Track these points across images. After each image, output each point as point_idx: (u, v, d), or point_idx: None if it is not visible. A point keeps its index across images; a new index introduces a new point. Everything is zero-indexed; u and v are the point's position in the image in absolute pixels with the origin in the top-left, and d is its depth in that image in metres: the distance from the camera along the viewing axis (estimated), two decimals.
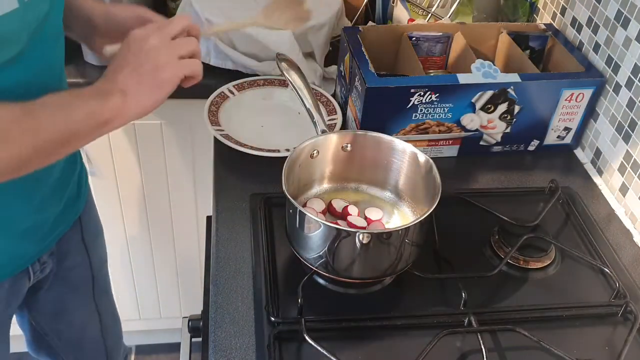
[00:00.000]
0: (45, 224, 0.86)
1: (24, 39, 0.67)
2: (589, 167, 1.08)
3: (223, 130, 1.04)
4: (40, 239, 0.87)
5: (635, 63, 0.95)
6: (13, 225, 0.81)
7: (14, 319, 0.99)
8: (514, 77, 0.99)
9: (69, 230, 0.94)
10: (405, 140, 0.85)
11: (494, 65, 1.00)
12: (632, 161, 0.96)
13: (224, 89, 1.13)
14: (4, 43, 0.64)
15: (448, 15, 1.24)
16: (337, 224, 0.80)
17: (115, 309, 1.19)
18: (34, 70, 0.71)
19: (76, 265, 1.00)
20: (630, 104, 0.97)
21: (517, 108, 1.02)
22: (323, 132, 0.87)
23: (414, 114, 0.99)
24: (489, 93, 0.99)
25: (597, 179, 1.05)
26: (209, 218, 1.00)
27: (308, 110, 0.89)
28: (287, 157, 0.80)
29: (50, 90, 0.69)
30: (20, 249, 0.84)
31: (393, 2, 1.29)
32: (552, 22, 1.21)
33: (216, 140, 1.04)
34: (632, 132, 0.96)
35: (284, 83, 1.16)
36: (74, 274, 1.00)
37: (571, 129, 1.08)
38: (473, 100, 0.99)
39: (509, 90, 0.99)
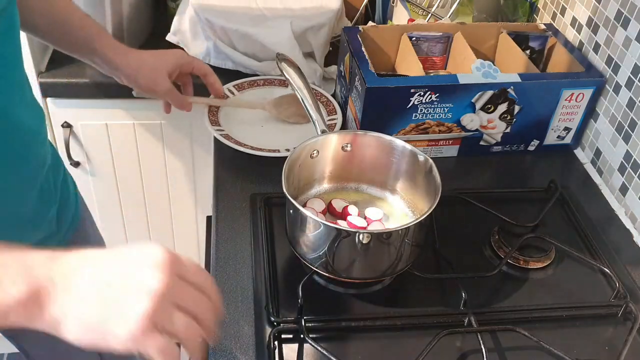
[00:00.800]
0: None
1: None
2: (589, 167, 1.08)
3: (223, 130, 1.04)
4: None
5: (635, 63, 0.95)
6: None
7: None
8: (514, 77, 0.99)
9: None
10: (405, 140, 0.85)
11: (494, 65, 1.00)
12: (632, 161, 0.96)
13: (224, 88, 1.13)
14: None
15: (448, 15, 1.24)
16: (337, 224, 0.80)
17: None
18: None
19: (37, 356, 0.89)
20: (630, 104, 0.97)
21: (517, 108, 1.02)
22: (323, 132, 0.87)
23: (414, 114, 0.99)
24: (489, 93, 0.99)
25: (597, 179, 1.05)
26: (209, 218, 1.00)
27: (308, 110, 0.89)
28: (287, 157, 0.80)
29: None
30: None
31: (393, 2, 1.29)
32: (552, 22, 1.21)
33: (216, 140, 1.04)
34: (632, 132, 0.96)
35: (284, 83, 1.16)
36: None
37: (571, 129, 1.08)
38: (473, 100, 0.99)
39: (509, 90, 0.99)
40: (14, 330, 0.79)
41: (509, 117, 1.03)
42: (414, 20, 1.21)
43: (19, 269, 0.48)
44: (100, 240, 1.03)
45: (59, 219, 0.85)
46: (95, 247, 0.90)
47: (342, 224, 0.83)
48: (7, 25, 0.68)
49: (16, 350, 0.96)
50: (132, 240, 1.48)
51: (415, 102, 0.97)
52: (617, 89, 1.00)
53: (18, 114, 0.73)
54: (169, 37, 1.27)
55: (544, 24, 1.16)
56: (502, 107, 1.01)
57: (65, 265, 0.49)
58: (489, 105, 1.00)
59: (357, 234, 0.73)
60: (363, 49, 1.03)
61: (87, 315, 0.48)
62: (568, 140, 1.10)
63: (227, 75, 1.21)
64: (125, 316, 0.47)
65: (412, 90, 0.96)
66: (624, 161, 0.98)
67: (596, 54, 1.06)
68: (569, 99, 1.03)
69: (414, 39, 1.11)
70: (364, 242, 0.73)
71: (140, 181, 1.38)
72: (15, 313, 0.48)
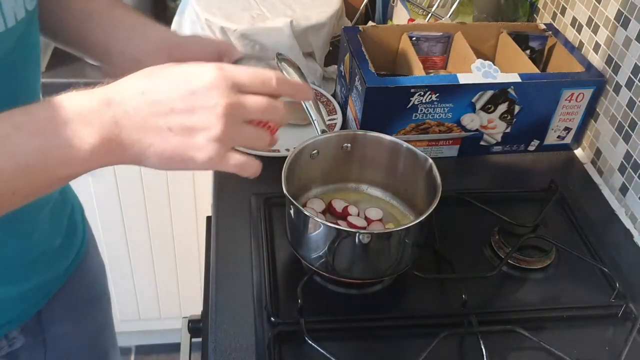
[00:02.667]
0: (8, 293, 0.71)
1: None
2: (589, 167, 1.08)
3: None
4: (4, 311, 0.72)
5: (635, 63, 0.95)
6: None
7: None
8: (514, 77, 0.99)
9: (52, 297, 0.79)
10: (405, 140, 0.85)
11: (494, 65, 1.00)
12: (632, 161, 0.96)
13: None
14: None
15: (448, 15, 1.24)
16: (337, 224, 0.80)
17: None
18: None
19: (56, 338, 0.84)
20: (630, 104, 0.97)
21: (517, 108, 1.02)
22: (323, 132, 0.86)
23: (414, 114, 0.99)
24: (489, 93, 0.99)
25: (597, 179, 1.05)
26: (209, 218, 1.00)
27: (308, 111, 0.89)
28: (287, 157, 0.80)
29: None
30: None
31: (393, 2, 1.29)
32: (552, 22, 1.21)
33: None
34: (632, 132, 0.96)
35: None
36: (61, 344, 0.85)
37: (571, 129, 1.08)
38: (473, 100, 0.99)
39: (509, 90, 0.99)
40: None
41: (509, 117, 1.03)
42: (414, 20, 1.21)
43: (81, 124, 0.48)
44: (101, 263, 0.97)
45: (67, 244, 0.82)
46: (93, 286, 0.87)
47: (342, 224, 0.83)
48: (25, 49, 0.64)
49: None
50: (132, 240, 1.48)
51: (415, 102, 0.97)
52: (617, 89, 1.00)
53: None
54: None
55: (544, 24, 1.16)
56: (502, 107, 1.01)
57: (125, 105, 0.49)
58: (489, 105, 1.00)
59: (357, 234, 0.73)
60: (363, 49, 1.03)
61: (162, 149, 0.49)
62: (568, 140, 1.10)
63: None
64: (198, 145, 0.49)
65: (412, 90, 0.96)
66: (624, 161, 0.98)
67: (596, 54, 1.06)
68: (569, 99, 1.03)
69: (414, 39, 1.11)
70: (364, 242, 0.73)
71: (140, 181, 1.38)
72: (96, 161, 0.49)
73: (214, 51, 0.70)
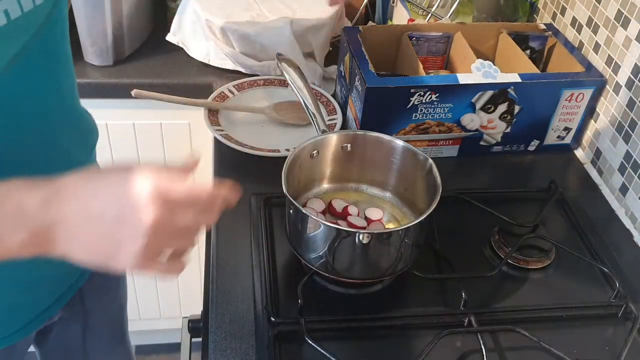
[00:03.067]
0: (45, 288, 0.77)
1: None
2: (589, 167, 1.08)
3: (223, 130, 1.04)
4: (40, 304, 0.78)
5: (635, 63, 0.95)
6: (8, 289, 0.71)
7: None
8: (514, 77, 0.99)
9: (90, 274, 0.87)
10: (405, 140, 0.85)
11: (494, 65, 1.00)
12: (632, 161, 0.96)
13: (224, 89, 1.13)
14: None
15: (448, 15, 1.24)
16: (337, 224, 0.80)
17: (132, 353, 1.14)
18: (16, 95, 0.62)
19: (87, 312, 0.92)
20: (630, 104, 0.97)
21: (517, 108, 1.02)
22: (323, 132, 0.87)
23: (414, 114, 0.99)
24: (489, 93, 0.99)
25: (597, 179, 1.05)
26: None
27: (308, 110, 0.89)
28: (287, 157, 0.80)
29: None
30: (23, 308, 0.76)
31: (393, 2, 1.29)
32: (552, 22, 1.21)
33: (216, 140, 1.04)
34: (632, 132, 0.96)
35: (284, 83, 1.16)
36: (90, 318, 0.93)
37: (571, 129, 1.08)
38: (473, 100, 0.99)
39: (509, 90, 0.99)
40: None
41: (509, 117, 1.03)
42: (414, 20, 1.21)
43: (15, 219, 0.50)
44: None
45: None
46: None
47: (342, 224, 0.83)
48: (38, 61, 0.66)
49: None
50: None
51: (415, 102, 0.97)
52: (617, 89, 1.00)
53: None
54: (169, 37, 1.27)
55: (544, 24, 1.16)
56: (502, 107, 1.01)
57: (60, 209, 0.50)
58: (489, 105, 1.00)
59: (357, 234, 0.73)
60: (363, 49, 1.03)
61: (87, 253, 0.52)
62: (568, 140, 1.10)
63: (227, 75, 1.21)
64: (123, 254, 0.51)
65: (412, 90, 0.96)
66: (624, 161, 0.98)
67: (596, 54, 1.06)
68: (569, 99, 1.03)
69: (414, 39, 1.11)
70: (364, 242, 0.73)
71: None
72: (23, 253, 0.51)
73: None
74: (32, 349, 1.02)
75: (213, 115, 1.07)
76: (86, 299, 0.89)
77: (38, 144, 0.68)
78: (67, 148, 0.74)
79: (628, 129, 0.97)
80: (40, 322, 0.80)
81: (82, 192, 0.51)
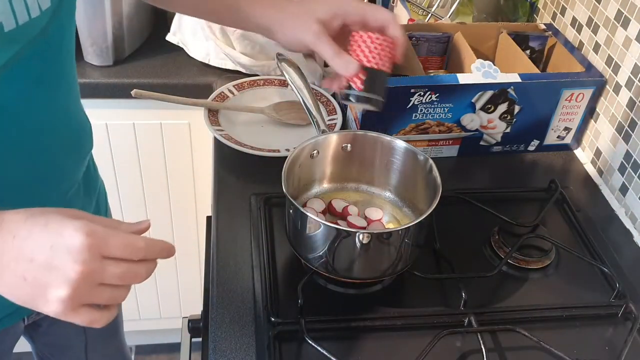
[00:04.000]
0: None
1: None
2: (589, 167, 1.08)
3: (223, 130, 1.04)
4: None
5: (635, 63, 0.95)
6: None
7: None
8: (514, 77, 0.99)
9: None
10: (405, 140, 0.85)
11: (494, 65, 1.00)
12: (632, 161, 0.96)
13: (224, 89, 1.13)
14: None
15: (448, 15, 1.24)
16: (337, 224, 0.80)
17: (126, 347, 1.14)
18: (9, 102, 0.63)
19: None
20: (630, 104, 0.97)
21: (517, 108, 1.02)
22: (323, 132, 0.86)
23: (414, 114, 0.99)
24: (489, 93, 0.99)
25: (597, 179, 1.05)
26: (209, 218, 1.00)
27: (308, 110, 0.89)
28: (287, 157, 0.80)
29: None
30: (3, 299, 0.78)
31: (393, 2, 1.29)
32: (552, 22, 1.21)
33: (216, 140, 1.04)
34: (632, 132, 0.96)
35: (284, 83, 1.16)
36: None
37: (571, 129, 1.08)
38: (473, 100, 0.99)
39: (509, 90, 0.99)
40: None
41: (509, 117, 1.03)
42: (414, 20, 1.21)
43: None
44: None
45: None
46: None
47: (342, 224, 0.83)
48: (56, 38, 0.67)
49: (16, 351, 0.96)
50: None
51: (415, 102, 0.97)
52: (617, 89, 1.00)
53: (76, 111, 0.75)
54: (169, 37, 1.27)
55: (544, 24, 1.16)
56: (502, 107, 1.01)
57: None
58: (489, 105, 1.00)
59: (357, 234, 0.73)
60: None
61: (13, 292, 0.52)
62: (568, 140, 1.10)
63: (227, 75, 1.21)
64: (49, 300, 0.50)
65: (412, 90, 0.96)
66: (624, 161, 0.98)
67: (596, 54, 1.06)
68: (569, 99, 1.03)
69: (414, 39, 1.11)
70: (364, 242, 0.73)
71: (140, 181, 1.38)
72: None
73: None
74: (29, 348, 1.03)
75: (213, 115, 1.07)
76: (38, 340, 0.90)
77: (24, 155, 0.68)
78: (55, 160, 0.73)
79: (628, 129, 0.97)
80: (20, 315, 0.80)
81: (18, 232, 0.51)
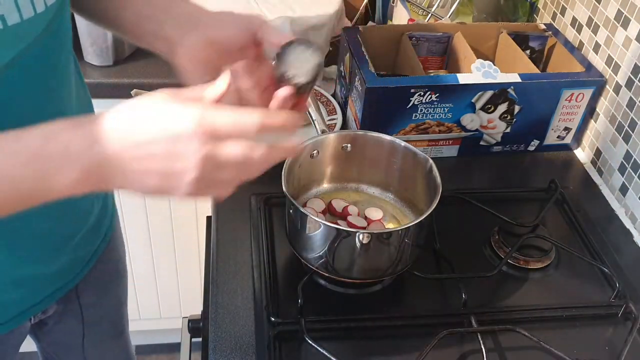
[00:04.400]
0: (44, 276, 0.77)
1: None
2: (589, 167, 1.08)
3: None
4: (40, 292, 0.79)
5: (635, 63, 0.95)
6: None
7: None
8: (514, 77, 0.99)
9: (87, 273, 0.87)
10: (405, 140, 0.85)
11: (494, 65, 1.00)
12: (632, 161, 0.96)
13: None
14: None
15: (448, 15, 1.24)
16: (337, 224, 0.80)
17: (131, 348, 1.14)
18: (9, 99, 0.62)
19: (84, 308, 0.92)
20: (630, 104, 0.97)
21: (517, 108, 1.02)
22: (323, 132, 0.87)
23: (414, 114, 0.99)
24: (489, 93, 0.99)
25: (597, 179, 1.05)
26: (209, 218, 1.00)
27: (308, 110, 0.89)
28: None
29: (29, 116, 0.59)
30: (11, 304, 0.76)
31: (393, 2, 1.29)
32: (552, 22, 1.21)
33: None
34: (632, 132, 0.96)
35: None
36: (87, 312, 0.93)
37: (571, 129, 1.08)
38: (473, 100, 0.99)
39: (509, 90, 0.99)
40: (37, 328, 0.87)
41: (509, 117, 1.03)
42: (414, 20, 1.21)
43: (63, 159, 0.50)
44: (123, 241, 1.01)
45: (96, 227, 0.84)
46: (117, 265, 0.96)
47: (342, 224, 0.83)
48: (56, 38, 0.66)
49: (20, 350, 0.96)
50: (132, 240, 1.48)
51: (415, 102, 0.97)
52: (617, 89, 1.00)
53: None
54: None
55: (544, 24, 1.16)
56: (502, 107, 1.01)
57: (108, 147, 0.51)
58: (489, 105, 1.00)
59: (357, 234, 0.73)
60: (363, 49, 1.03)
61: (140, 188, 0.54)
62: (568, 140, 1.10)
63: None
64: (177, 187, 0.52)
65: (412, 90, 0.96)
66: (624, 161, 0.98)
67: (596, 54, 1.06)
68: (569, 99, 1.03)
69: (414, 39, 1.11)
70: (364, 242, 0.73)
71: None
72: (77, 192, 0.52)
73: (248, 30, 0.67)
74: (34, 348, 1.03)
75: None
76: (82, 296, 0.90)
77: None
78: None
79: (628, 129, 0.97)
80: (26, 317, 0.80)
81: (130, 128, 0.52)
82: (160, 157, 0.51)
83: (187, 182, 0.52)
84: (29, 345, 1.07)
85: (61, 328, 0.92)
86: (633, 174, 0.96)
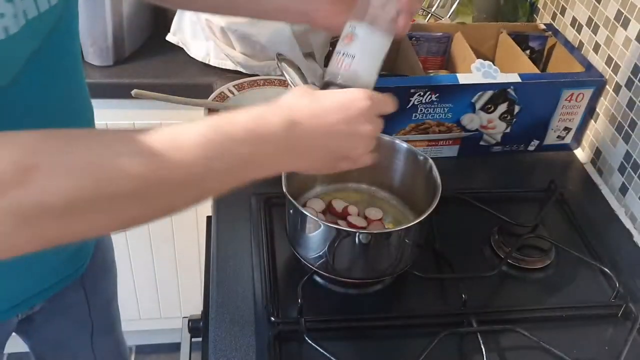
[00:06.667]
0: (40, 271, 0.78)
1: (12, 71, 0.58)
2: (589, 167, 1.08)
3: None
4: (32, 287, 0.79)
5: (635, 63, 0.95)
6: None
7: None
8: (514, 77, 0.99)
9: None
10: (405, 140, 0.85)
11: (494, 65, 1.00)
12: (632, 161, 0.96)
13: (224, 89, 1.13)
14: None
15: (448, 15, 1.24)
16: (337, 224, 0.80)
17: (124, 346, 1.13)
18: (33, 92, 0.63)
19: (73, 304, 0.92)
20: (630, 104, 0.97)
21: (517, 108, 1.02)
22: None
23: (414, 114, 0.99)
24: (489, 93, 0.99)
25: (597, 179, 1.05)
26: (209, 218, 1.00)
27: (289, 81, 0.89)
28: None
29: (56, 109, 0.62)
30: (20, 290, 0.77)
31: None
32: (552, 22, 1.21)
33: None
34: (632, 132, 0.96)
35: (284, 83, 1.16)
36: (72, 312, 0.93)
37: (571, 129, 1.08)
38: (473, 100, 0.99)
39: (509, 90, 0.99)
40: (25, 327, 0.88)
41: (509, 117, 1.03)
42: (414, 20, 1.21)
43: (271, 146, 0.55)
44: (110, 239, 1.02)
45: None
46: (105, 261, 0.96)
47: (342, 224, 0.83)
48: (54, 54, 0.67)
49: (15, 351, 0.96)
50: (132, 240, 1.48)
51: (415, 102, 0.97)
52: (617, 89, 1.00)
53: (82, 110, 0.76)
54: (169, 37, 1.27)
55: (544, 24, 1.16)
56: (502, 107, 1.01)
57: (303, 128, 0.56)
58: (489, 105, 1.00)
59: (357, 234, 0.73)
60: None
61: (320, 166, 0.61)
62: (568, 140, 1.10)
63: (227, 75, 1.21)
64: (351, 159, 0.61)
65: (412, 90, 0.96)
66: (624, 161, 0.98)
67: (596, 54, 1.06)
68: (569, 99, 1.03)
69: (413, 39, 1.11)
70: (364, 242, 0.73)
71: None
72: (270, 173, 0.57)
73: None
74: (26, 348, 1.03)
75: (213, 114, 1.07)
76: (69, 294, 0.89)
77: None
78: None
79: (628, 129, 0.97)
80: (14, 313, 0.81)
81: (316, 107, 0.57)
82: (344, 136, 0.58)
83: (359, 154, 0.60)
84: (23, 345, 1.07)
85: (50, 325, 0.92)
86: (633, 174, 0.96)
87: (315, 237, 0.76)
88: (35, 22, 0.58)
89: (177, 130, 0.51)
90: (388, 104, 0.63)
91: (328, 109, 0.58)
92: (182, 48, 1.26)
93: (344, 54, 0.66)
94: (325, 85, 0.66)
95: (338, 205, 0.86)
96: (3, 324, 0.82)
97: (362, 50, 0.66)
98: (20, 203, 0.43)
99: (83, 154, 0.46)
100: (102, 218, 0.48)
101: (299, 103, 0.58)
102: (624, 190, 0.99)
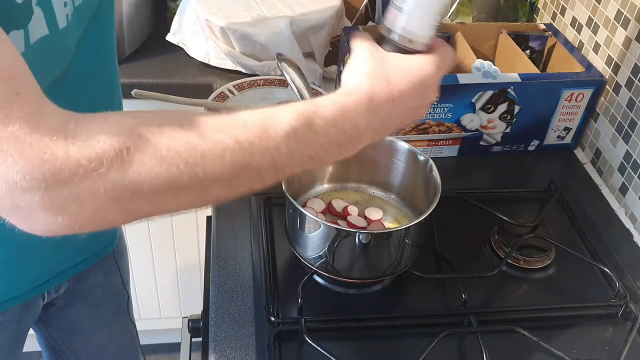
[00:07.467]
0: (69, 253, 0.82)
1: (65, 60, 0.62)
2: (589, 167, 1.08)
3: None
4: (63, 265, 0.83)
5: (635, 63, 0.95)
6: (33, 252, 0.75)
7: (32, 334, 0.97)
8: (514, 77, 0.99)
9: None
10: (405, 140, 0.85)
11: (494, 65, 1.00)
12: (632, 161, 0.96)
13: (224, 89, 1.13)
14: (48, 66, 0.60)
15: (448, 15, 1.24)
16: (337, 224, 0.80)
17: (135, 328, 1.16)
18: (84, 76, 0.67)
19: (97, 285, 0.96)
20: (630, 104, 0.97)
21: (517, 108, 1.02)
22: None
23: None
24: (489, 93, 0.99)
25: (597, 179, 1.05)
26: (209, 218, 1.00)
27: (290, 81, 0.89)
28: None
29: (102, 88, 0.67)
30: (39, 275, 0.80)
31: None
32: (552, 22, 1.21)
33: None
34: (632, 132, 0.96)
35: (284, 83, 1.16)
36: (93, 294, 0.96)
37: (571, 129, 1.08)
38: (473, 100, 0.99)
39: (509, 90, 0.99)
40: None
41: (509, 117, 1.03)
42: None
43: (354, 129, 0.57)
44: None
45: None
46: (122, 242, 0.99)
47: (342, 224, 0.83)
48: (98, 42, 0.70)
49: (25, 350, 0.96)
50: (132, 240, 1.48)
51: None
52: (617, 89, 1.00)
53: None
54: (169, 37, 1.27)
55: (544, 24, 1.16)
56: (502, 107, 1.01)
57: (376, 104, 0.58)
58: (489, 105, 1.00)
59: (357, 234, 0.73)
60: None
61: (385, 135, 0.63)
62: (568, 140, 1.10)
63: (227, 75, 1.21)
64: (415, 118, 0.63)
65: None
66: (624, 161, 0.98)
67: (596, 54, 1.06)
68: (569, 99, 1.03)
69: None
70: (364, 242, 0.73)
71: None
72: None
73: None
74: (35, 347, 1.03)
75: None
76: (89, 276, 0.92)
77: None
78: None
79: (628, 129, 0.97)
80: (41, 290, 0.83)
81: (388, 79, 0.59)
82: (411, 109, 0.60)
83: (422, 114, 0.63)
84: (32, 345, 1.07)
85: (69, 310, 0.94)
86: (633, 174, 0.96)
87: (315, 237, 0.76)
88: (81, 8, 0.61)
89: (266, 116, 0.53)
90: (450, 60, 0.64)
91: (404, 91, 0.59)
92: (182, 48, 1.26)
93: (397, 7, 0.64)
94: (381, 38, 0.68)
95: (338, 205, 0.86)
96: (30, 308, 0.84)
97: (415, 3, 0.63)
98: (115, 183, 0.45)
99: (177, 138, 0.48)
100: (191, 198, 0.51)
101: (375, 87, 0.58)
102: (624, 190, 0.99)
